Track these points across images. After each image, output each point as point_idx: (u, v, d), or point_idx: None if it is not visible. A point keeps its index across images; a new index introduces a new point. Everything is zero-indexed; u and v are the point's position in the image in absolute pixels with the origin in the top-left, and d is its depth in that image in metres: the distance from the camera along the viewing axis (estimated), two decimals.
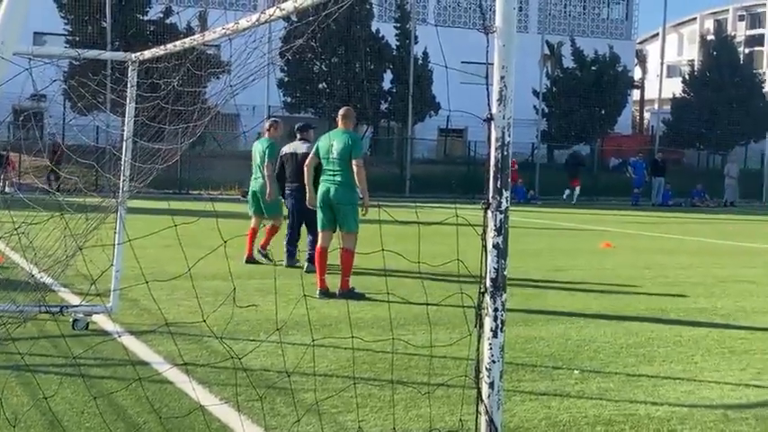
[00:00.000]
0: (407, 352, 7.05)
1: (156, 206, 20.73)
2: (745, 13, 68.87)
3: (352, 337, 6.71)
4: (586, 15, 57.52)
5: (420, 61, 40.61)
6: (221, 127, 39.35)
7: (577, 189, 37.23)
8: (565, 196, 37.22)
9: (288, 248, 12.59)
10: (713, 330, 8.85)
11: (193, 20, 36.23)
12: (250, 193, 13.47)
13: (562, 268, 13.60)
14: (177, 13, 37.17)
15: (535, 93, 42.37)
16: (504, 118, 3.16)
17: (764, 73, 48.46)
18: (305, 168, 10.81)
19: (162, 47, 6.84)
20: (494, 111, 3.17)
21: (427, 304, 7.26)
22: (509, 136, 3.17)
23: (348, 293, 10.04)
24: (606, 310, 9.92)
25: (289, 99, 40.18)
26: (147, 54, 7.31)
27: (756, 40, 71.03)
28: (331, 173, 10.26)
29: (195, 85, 6.80)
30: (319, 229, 10.53)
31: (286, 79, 39.55)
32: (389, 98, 41.19)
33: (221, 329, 7.26)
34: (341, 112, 10.63)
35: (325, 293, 10.13)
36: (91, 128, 21.13)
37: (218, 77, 8.15)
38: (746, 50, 56.16)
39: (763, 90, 46.51)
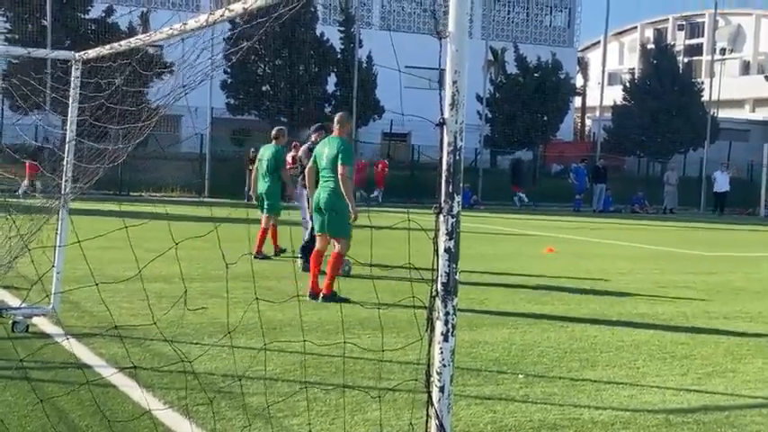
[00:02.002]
0: (354, 356, 7.04)
1: (96, 207, 20.45)
2: (684, 23, 70.11)
3: (304, 340, 6.68)
4: (529, 22, 58.09)
5: (364, 65, 40.64)
6: (163, 128, 38.96)
7: (523, 195, 37.54)
8: (518, 203, 37.46)
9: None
10: (654, 335, 8.98)
11: (135, 20, 35.83)
12: (257, 195, 14.60)
13: (506, 273, 13.69)
14: (130, 12, 36.66)
15: (479, 98, 42.63)
16: (456, 122, 3.17)
17: (703, 82, 49.20)
18: (306, 174, 11.08)
19: (108, 46, 6.74)
20: (446, 115, 3.18)
21: (379, 306, 7.27)
22: (461, 140, 3.18)
23: (330, 297, 10.10)
24: (549, 314, 10.01)
25: (232, 101, 39.92)
26: (92, 53, 7.21)
27: (695, 50, 72.35)
28: (324, 179, 10.45)
29: (139, 85, 6.72)
30: (316, 233, 10.69)
31: (229, 81, 39.29)
32: (333, 101, 41.12)
33: (166, 332, 7.17)
34: (336, 118, 10.73)
35: (315, 296, 10.21)
36: (32, 127, 20.80)
37: (161, 78, 8.08)
38: (686, 59, 57.06)
39: (702, 99, 47.28)
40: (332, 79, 41.27)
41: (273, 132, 14.80)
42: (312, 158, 10.85)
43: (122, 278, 9.43)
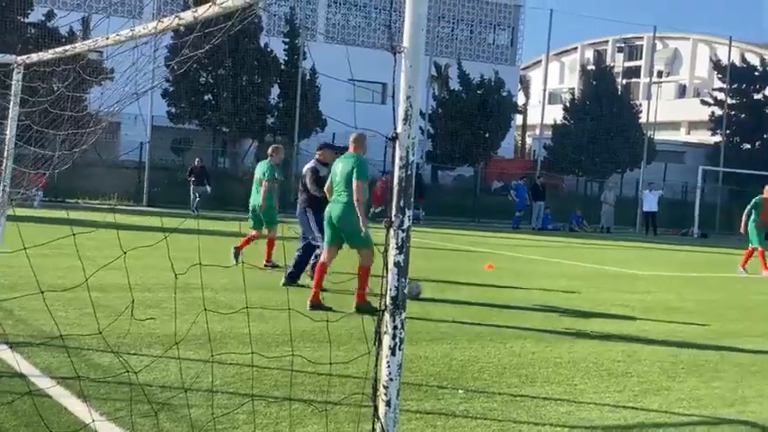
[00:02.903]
0: (294, 369, 6.99)
1: (30, 214, 20.09)
2: (623, 45, 71.11)
3: (252, 353, 6.61)
4: (473, 39, 58.58)
5: (308, 77, 40.61)
6: (101, 135, 38.43)
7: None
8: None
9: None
10: (592, 353, 9.08)
11: (76, 25, 35.33)
12: (250, 208, 15.20)
13: (446, 288, 13.74)
14: (77, 18, 36.15)
15: (421, 114, 42.84)
16: (408, 137, 3.18)
17: (641, 104, 50.03)
18: (326, 192, 11.19)
19: (51, 50, 6.64)
20: (399, 130, 3.18)
21: (328, 320, 7.23)
22: (413, 155, 3.19)
23: (363, 308, 10.34)
24: (489, 330, 10.06)
25: (173, 109, 39.58)
26: (35, 57, 7.09)
27: (634, 72, 73.52)
28: (336, 193, 10.79)
29: (80, 91, 6.63)
30: (325, 243, 11.02)
31: (171, 89, 38.94)
32: (276, 113, 41.00)
33: (102, 343, 7.05)
34: (352, 136, 10.99)
35: (316, 306, 10.45)
36: None
37: (100, 84, 7.96)
38: (624, 81, 57.97)
39: (640, 121, 48.05)
40: (275, 90, 41.16)
41: (269, 150, 15.49)
42: (330, 179, 11.13)
43: (58, 287, 9.28)
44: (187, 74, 38.45)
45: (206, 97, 39.93)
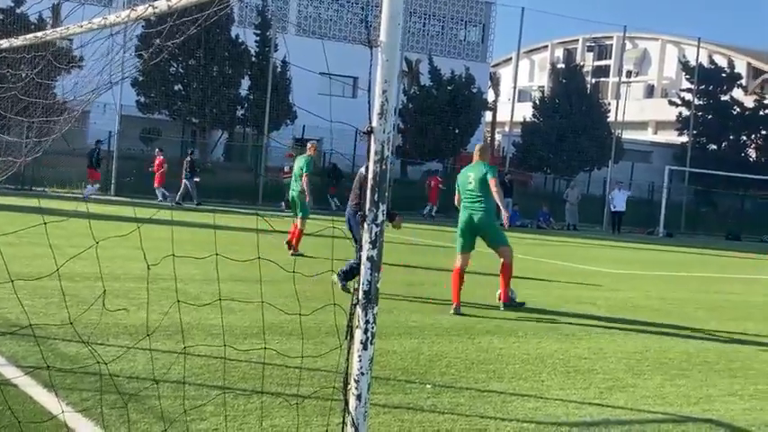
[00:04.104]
0: (262, 361, 6.98)
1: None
2: (593, 44, 71.60)
3: (225, 345, 6.57)
4: (444, 35, 58.63)
5: (279, 69, 40.47)
6: (70, 123, 38.08)
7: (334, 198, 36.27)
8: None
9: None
10: (559, 349, 9.14)
11: (45, 11, 34.93)
12: (291, 199, 16.78)
13: (414, 284, 13.77)
14: (48, 5, 35.64)
15: None
16: (384, 132, 3.18)
17: (609, 103, 50.32)
18: (456, 204, 11.86)
19: (23, 36, 6.57)
20: (374, 124, 3.18)
21: (300, 314, 7.20)
22: (388, 150, 3.19)
23: (510, 304, 11.56)
24: (457, 326, 10.10)
25: (143, 99, 39.30)
26: (5, 44, 7.01)
27: (603, 71, 73.91)
28: (470, 200, 11.46)
29: (50, 78, 6.57)
30: (458, 252, 11.54)
31: (140, 79, 38.64)
32: (246, 104, 40.84)
33: (69, 332, 7.01)
34: (478, 146, 12.08)
35: (459, 311, 11.02)
36: None
37: (69, 72, 7.88)
38: (593, 80, 58.33)
39: (608, 120, 48.33)
40: (246, 82, 41.00)
41: (308, 144, 17.00)
42: (457, 187, 11.79)
43: (25, 275, 9.20)
44: (158, 64, 38.24)
45: (176, 88, 39.69)
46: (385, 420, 5.97)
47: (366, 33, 3.18)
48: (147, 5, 4.87)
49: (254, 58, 40.84)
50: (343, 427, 3.26)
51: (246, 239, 15.24)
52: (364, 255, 3.21)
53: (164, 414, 5.47)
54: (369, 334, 3.23)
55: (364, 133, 3.19)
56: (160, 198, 32.95)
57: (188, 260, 9.58)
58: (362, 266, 3.23)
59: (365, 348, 3.23)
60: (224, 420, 5.55)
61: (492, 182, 11.27)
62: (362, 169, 12.61)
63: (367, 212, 3.21)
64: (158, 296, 9.80)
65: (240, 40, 40.23)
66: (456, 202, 11.85)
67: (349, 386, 3.26)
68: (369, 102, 3.20)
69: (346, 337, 3.32)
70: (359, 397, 3.23)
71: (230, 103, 40.04)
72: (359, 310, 3.23)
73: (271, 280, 10.92)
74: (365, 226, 3.21)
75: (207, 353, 7.33)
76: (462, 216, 11.52)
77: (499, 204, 11.38)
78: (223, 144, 43.16)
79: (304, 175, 15.98)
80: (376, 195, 3.19)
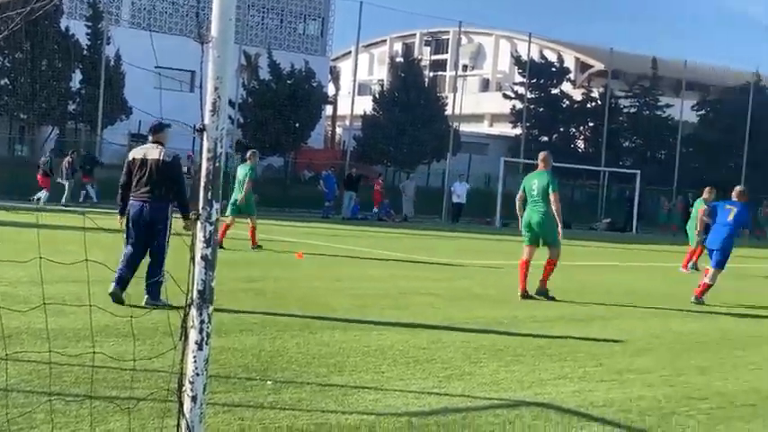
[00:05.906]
0: (96, 365, 6.77)
1: None
2: (431, 39, 72.73)
3: (50, 351, 6.30)
4: (283, 29, 58.40)
5: (112, 63, 39.37)
6: None
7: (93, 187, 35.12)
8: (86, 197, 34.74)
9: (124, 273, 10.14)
10: (399, 340, 9.26)
11: None
12: (230, 201, 19.21)
13: (255, 279, 13.67)
14: None
15: (231, 103, 42.33)
16: (217, 129, 3.14)
17: (447, 96, 51.34)
18: (516, 201, 13.93)
19: None
20: (207, 121, 3.13)
21: (132, 316, 7.03)
22: (221, 147, 3.15)
23: (543, 293, 13.41)
24: (298, 321, 10.08)
25: None
26: None
27: (440, 65, 75.30)
28: (533, 203, 13.38)
29: None
30: (525, 245, 13.58)
31: None
32: (78, 99, 39.53)
33: None
34: (541, 156, 13.81)
35: (527, 296, 13.29)
36: None
37: None
38: (431, 74, 59.32)
39: (446, 113, 49.27)
40: (77, 76, 39.69)
41: (248, 154, 20.14)
42: (521, 189, 13.64)
43: None
44: None
45: (2, 82, 38.02)
46: (225, 419, 5.90)
47: (197, 28, 3.12)
48: None
49: (85, 52, 39.57)
50: (178, 430, 3.20)
51: (82, 238, 14.73)
52: (198, 254, 3.16)
53: None
54: (204, 334, 3.18)
55: (197, 131, 3.14)
56: None
57: (14, 262, 9.19)
58: (197, 266, 3.17)
59: (200, 349, 3.18)
60: (55, 428, 5.37)
61: (554, 197, 13.08)
62: (137, 153, 11.35)
63: (201, 211, 3.15)
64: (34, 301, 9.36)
65: (71, 33, 38.90)
66: (517, 199, 13.78)
67: (184, 388, 3.20)
68: (200, 99, 3.14)
69: (180, 338, 3.26)
70: (194, 398, 3.18)
71: (61, 97, 38.69)
72: (193, 310, 3.17)
73: (102, 280, 10.61)
74: (198, 224, 3.15)
75: (37, 358, 7.05)
76: (526, 215, 13.44)
77: (556, 218, 13.10)
78: (54, 140, 41.62)
79: (247, 181, 18.71)
80: (210, 194, 3.14)
